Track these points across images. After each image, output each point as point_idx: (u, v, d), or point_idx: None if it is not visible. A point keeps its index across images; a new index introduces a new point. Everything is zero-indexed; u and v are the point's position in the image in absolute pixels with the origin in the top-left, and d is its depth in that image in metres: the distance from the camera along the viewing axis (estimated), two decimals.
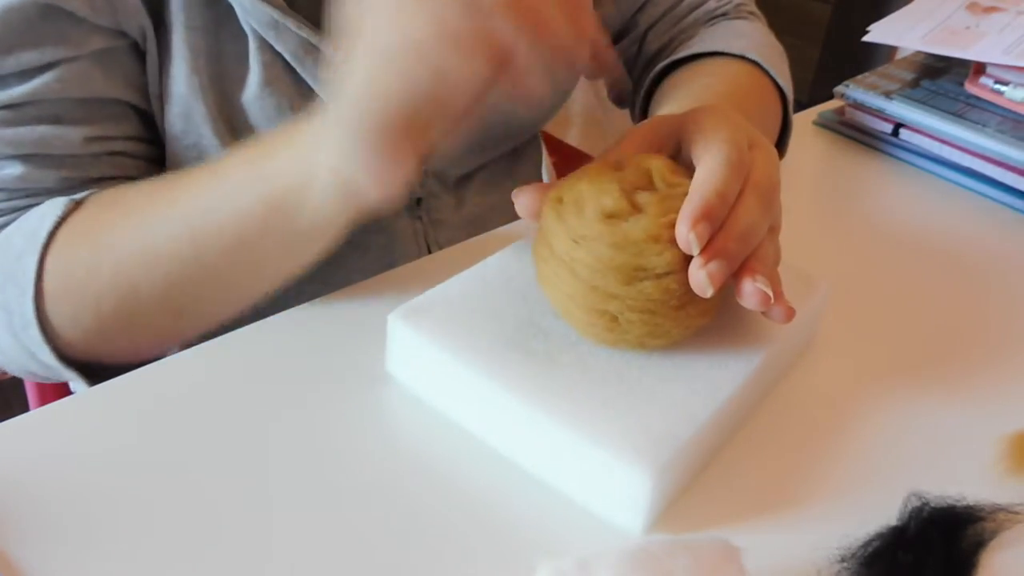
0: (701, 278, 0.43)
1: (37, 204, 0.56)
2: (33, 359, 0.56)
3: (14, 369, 0.59)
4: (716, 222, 0.44)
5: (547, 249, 0.47)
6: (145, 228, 0.53)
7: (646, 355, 0.47)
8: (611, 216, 0.45)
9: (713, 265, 0.43)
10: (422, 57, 0.41)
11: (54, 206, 0.55)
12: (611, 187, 0.46)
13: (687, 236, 0.43)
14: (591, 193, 0.46)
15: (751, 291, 0.45)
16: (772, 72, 0.69)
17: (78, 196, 0.56)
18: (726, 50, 0.70)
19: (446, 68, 0.41)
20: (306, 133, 0.49)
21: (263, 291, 0.55)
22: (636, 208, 0.46)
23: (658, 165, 0.48)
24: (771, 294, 0.45)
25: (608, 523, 0.44)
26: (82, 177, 0.57)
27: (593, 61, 0.45)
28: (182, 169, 0.60)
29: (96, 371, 0.57)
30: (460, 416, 0.48)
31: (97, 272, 0.53)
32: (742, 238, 0.45)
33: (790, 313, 0.46)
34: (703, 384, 0.46)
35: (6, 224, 0.57)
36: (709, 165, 0.45)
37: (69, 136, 0.56)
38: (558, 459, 0.44)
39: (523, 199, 0.49)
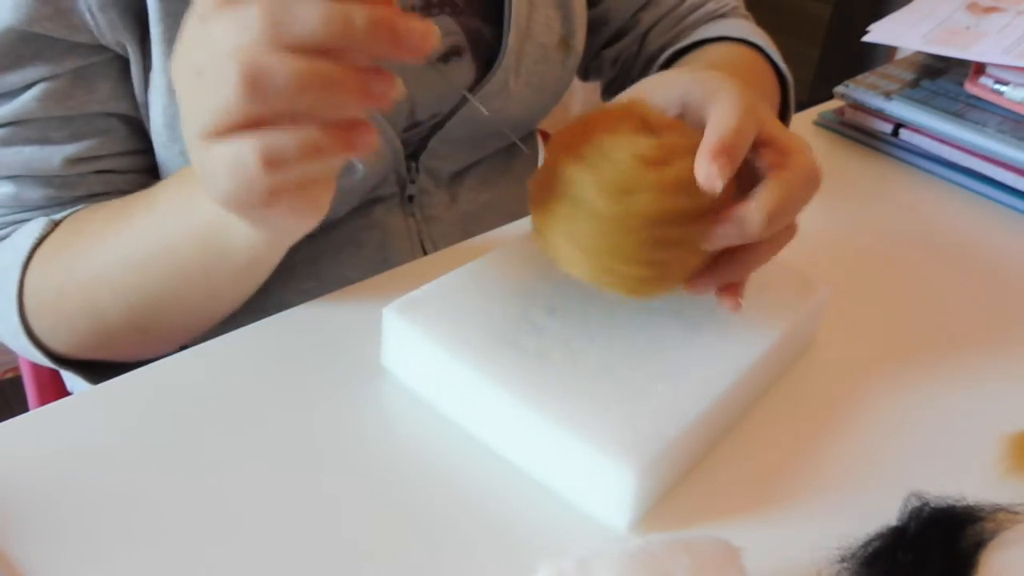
0: (711, 171, 0.43)
1: (29, 219, 0.59)
2: (34, 356, 0.59)
3: (25, 356, 0.62)
4: (736, 160, 0.44)
5: (576, 210, 0.44)
6: (102, 257, 0.54)
7: (639, 353, 0.48)
8: (652, 163, 0.44)
9: (724, 159, 0.43)
10: (203, 178, 0.40)
11: (37, 225, 0.57)
12: (634, 135, 0.45)
13: (708, 169, 0.43)
14: (619, 143, 0.45)
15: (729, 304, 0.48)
16: (773, 56, 0.70)
17: (57, 216, 0.58)
18: (727, 35, 0.71)
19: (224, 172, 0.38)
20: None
21: (226, 311, 0.56)
22: (667, 150, 0.45)
23: (650, 111, 0.47)
24: (741, 305, 0.48)
25: (594, 520, 0.44)
26: (70, 196, 0.59)
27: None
28: (169, 175, 0.60)
29: (104, 368, 0.59)
30: (452, 410, 0.48)
31: (67, 296, 0.56)
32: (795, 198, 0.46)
33: (736, 305, 0.48)
34: (694, 383, 0.46)
35: (6, 236, 0.60)
36: (722, 108, 0.45)
37: (52, 159, 0.57)
38: (546, 455, 0.45)
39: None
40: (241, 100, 0.36)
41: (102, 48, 0.56)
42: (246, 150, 0.37)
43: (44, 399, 0.79)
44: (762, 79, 0.70)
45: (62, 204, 0.59)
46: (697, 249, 0.46)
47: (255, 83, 0.35)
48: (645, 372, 0.47)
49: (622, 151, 0.44)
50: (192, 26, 0.38)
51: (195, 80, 0.37)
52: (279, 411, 0.48)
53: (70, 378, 0.76)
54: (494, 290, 0.51)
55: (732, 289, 0.48)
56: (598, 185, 0.44)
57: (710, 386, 0.46)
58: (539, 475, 0.45)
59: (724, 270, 0.48)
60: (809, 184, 0.47)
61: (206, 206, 0.48)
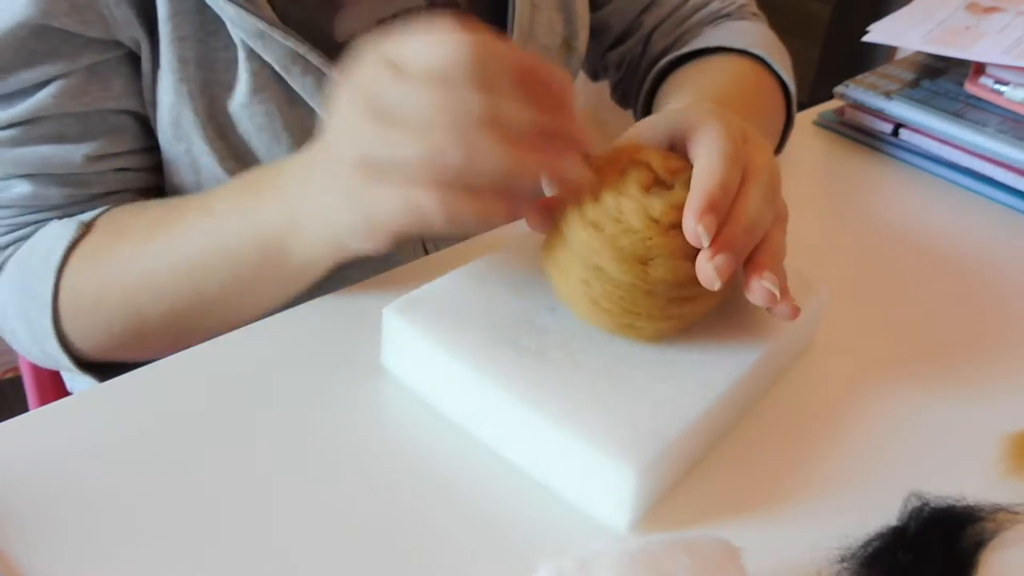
0: (709, 271, 0.44)
1: (47, 219, 0.59)
2: (54, 361, 0.60)
3: (39, 363, 0.64)
4: (721, 213, 0.44)
5: (592, 275, 0.46)
6: (148, 260, 0.55)
7: (639, 353, 0.48)
8: (666, 227, 0.45)
9: (720, 258, 0.44)
10: (351, 199, 0.44)
11: (67, 228, 0.57)
12: (644, 193, 0.46)
13: (695, 229, 0.43)
14: (630, 205, 0.45)
15: (759, 289, 0.45)
16: (776, 67, 0.69)
17: (87, 218, 0.58)
18: (730, 45, 0.70)
19: (375, 209, 0.43)
20: (291, 172, 0.51)
21: (263, 312, 0.57)
22: (679, 209, 0.45)
23: (654, 156, 0.47)
24: (777, 292, 0.45)
25: (594, 520, 0.44)
26: (87, 194, 0.59)
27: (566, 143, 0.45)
28: (179, 177, 0.61)
29: (113, 370, 0.59)
30: (452, 410, 0.48)
31: (107, 299, 0.56)
32: (749, 229, 0.45)
33: (795, 311, 0.46)
34: (695, 383, 0.46)
35: (23, 238, 0.60)
36: (707, 158, 0.46)
37: (71, 157, 0.57)
38: (546, 454, 0.45)
39: (534, 217, 0.49)
40: (452, 167, 0.40)
41: (116, 44, 0.56)
42: (433, 203, 0.41)
43: (44, 399, 0.80)
44: (764, 96, 0.69)
45: (79, 203, 0.59)
46: (717, 293, 0.46)
47: (470, 159, 0.40)
48: (645, 372, 0.46)
49: (634, 216, 0.45)
50: (378, 67, 0.41)
51: (379, 123, 0.41)
52: (279, 411, 0.48)
53: (70, 378, 0.76)
54: (494, 290, 0.51)
55: (779, 298, 0.46)
56: (613, 255, 0.45)
57: (710, 386, 0.46)
58: (539, 475, 0.45)
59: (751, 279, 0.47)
60: (730, 163, 0.46)
61: (271, 214, 0.51)
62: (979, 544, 0.43)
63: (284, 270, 0.53)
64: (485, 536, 0.43)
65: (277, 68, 0.58)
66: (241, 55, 0.58)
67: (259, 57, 0.58)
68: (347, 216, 0.45)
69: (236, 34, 0.57)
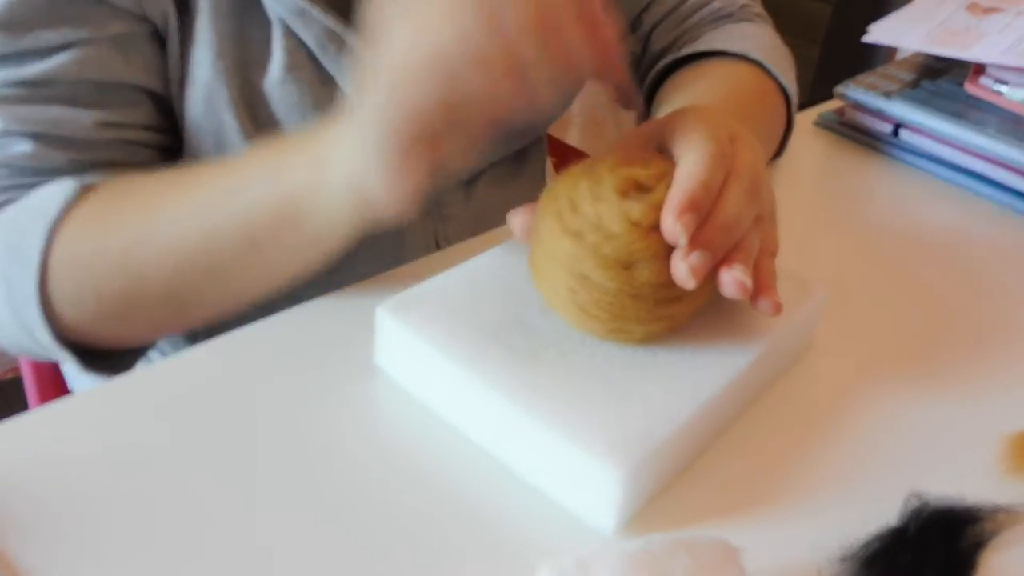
0: (683, 270, 0.44)
1: (42, 183, 0.56)
2: (29, 336, 0.56)
3: (8, 345, 0.59)
4: (701, 212, 0.44)
5: (579, 284, 0.46)
6: (157, 216, 0.53)
7: (631, 354, 0.48)
8: (647, 229, 0.45)
9: (695, 256, 0.44)
10: (446, 73, 0.42)
11: (63, 187, 0.54)
12: (622, 198, 0.46)
13: (673, 227, 0.44)
14: (610, 211, 0.45)
15: (727, 280, 0.45)
16: (774, 72, 0.69)
17: (88, 181, 0.55)
18: (728, 49, 0.70)
19: (469, 86, 0.42)
20: (322, 137, 0.50)
21: (266, 289, 0.55)
22: (659, 210, 0.45)
23: (635, 162, 0.48)
24: (748, 283, 0.45)
25: (582, 521, 0.44)
26: (91, 160, 0.57)
27: (606, 72, 0.45)
28: (200, 156, 0.60)
29: (90, 354, 0.57)
30: (444, 409, 0.48)
31: (105, 254, 0.53)
32: (726, 229, 0.45)
33: (777, 307, 0.46)
34: (686, 384, 0.46)
35: (9, 201, 0.56)
36: (691, 158, 0.46)
37: (82, 119, 0.55)
38: (535, 455, 0.45)
39: (518, 219, 0.50)
40: (484, 32, 0.40)
41: (144, 19, 0.56)
42: (505, 89, 0.42)
43: (44, 399, 0.80)
44: (762, 101, 0.69)
45: (81, 169, 0.56)
46: (703, 292, 0.47)
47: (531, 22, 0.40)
48: (637, 374, 0.46)
49: (614, 221, 0.45)
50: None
51: (427, 10, 0.42)
52: (272, 410, 0.49)
53: (71, 377, 0.76)
54: (487, 290, 0.51)
55: (761, 294, 0.47)
56: (597, 262, 0.45)
57: (701, 389, 0.46)
58: (529, 475, 0.45)
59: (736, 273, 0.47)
60: (715, 160, 0.46)
61: (298, 171, 0.50)
62: (979, 544, 0.43)
63: (299, 233, 0.52)
64: (475, 536, 0.43)
65: (312, 47, 0.58)
66: (277, 33, 0.58)
67: (295, 35, 0.58)
68: (377, 165, 0.45)
69: (275, 11, 0.57)
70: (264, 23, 0.58)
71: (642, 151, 0.50)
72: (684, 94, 0.66)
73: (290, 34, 0.58)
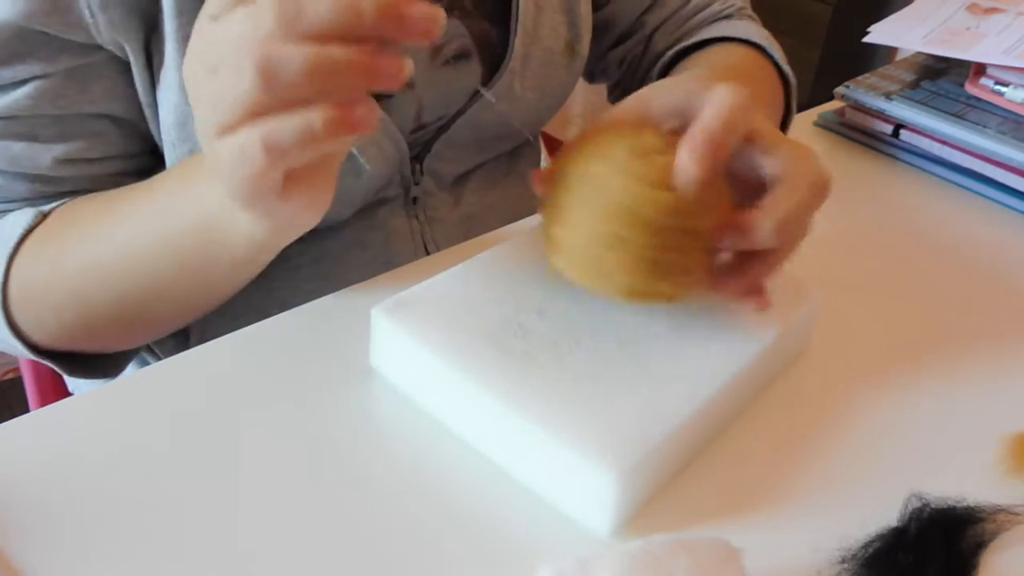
0: (683, 157, 0.43)
1: (10, 210, 0.58)
2: (13, 348, 0.58)
3: (6, 348, 0.61)
4: (718, 149, 0.44)
5: (619, 223, 0.44)
6: (95, 245, 0.54)
7: (627, 356, 0.47)
8: (657, 185, 0.44)
9: (699, 144, 0.43)
10: (215, 166, 0.41)
11: (25, 216, 0.57)
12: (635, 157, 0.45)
13: (685, 159, 0.43)
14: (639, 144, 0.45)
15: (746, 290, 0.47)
16: (776, 57, 0.70)
17: (46, 208, 0.57)
18: (732, 35, 0.71)
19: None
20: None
21: (215, 303, 0.56)
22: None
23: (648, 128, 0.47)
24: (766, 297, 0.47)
25: (576, 524, 0.44)
26: (55, 191, 0.59)
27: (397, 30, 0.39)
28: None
29: (78, 358, 0.59)
30: (439, 411, 0.48)
31: (57, 285, 0.55)
32: (729, 129, 0.45)
33: (764, 304, 0.48)
34: (682, 387, 0.46)
35: None
36: (714, 103, 0.45)
37: (39, 157, 0.56)
38: (530, 457, 0.45)
39: (538, 180, 0.49)
40: (256, 91, 0.37)
41: (98, 48, 0.55)
42: (251, 139, 0.38)
43: (44, 399, 0.79)
44: (764, 81, 0.70)
45: (48, 197, 0.58)
46: (708, 250, 0.46)
47: (269, 74, 0.36)
48: (632, 376, 0.46)
49: (652, 141, 0.45)
50: (204, 26, 0.39)
51: (210, 78, 0.38)
52: (268, 412, 0.49)
53: (71, 379, 0.76)
54: (483, 292, 0.51)
55: (754, 292, 0.48)
56: (655, 197, 0.44)
57: (697, 391, 0.46)
58: (524, 477, 0.45)
59: (743, 275, 0.48)
60: (817, 190, 0.47)
61: (209, 196, 0.49)
62: (980, 545, 0.43)
63: (227, 256, 0.51)
64: (470, 538, 0.43)
65: None
66: None
67: None
68: (227, 189, 0.43)
69: None
70: None
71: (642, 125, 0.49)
72: (696, 64, 0.66)
73: None
